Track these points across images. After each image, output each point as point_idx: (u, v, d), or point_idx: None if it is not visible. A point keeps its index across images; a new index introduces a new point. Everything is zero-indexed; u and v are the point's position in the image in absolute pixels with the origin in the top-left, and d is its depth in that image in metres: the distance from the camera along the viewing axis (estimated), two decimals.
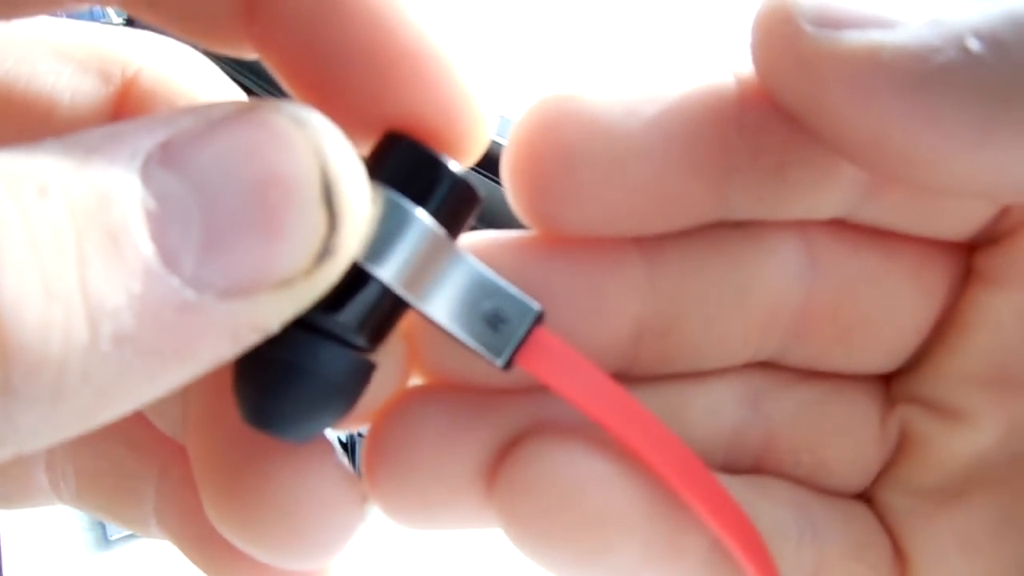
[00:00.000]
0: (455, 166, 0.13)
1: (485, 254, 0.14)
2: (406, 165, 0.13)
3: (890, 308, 0.16)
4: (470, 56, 0.13)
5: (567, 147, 0.13)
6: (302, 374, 0.12)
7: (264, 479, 0.14)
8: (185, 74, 0.15)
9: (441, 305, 0.13)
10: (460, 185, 0.13)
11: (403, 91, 0.13)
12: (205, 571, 0.17)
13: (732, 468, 0.16)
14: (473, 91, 0.13)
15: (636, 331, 0.15)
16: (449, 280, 0.13)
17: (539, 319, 0.14)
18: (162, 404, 0.14)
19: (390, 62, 0.13)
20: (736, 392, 0.16)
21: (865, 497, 0.17)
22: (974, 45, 0.11)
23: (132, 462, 0.17)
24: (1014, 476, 0.15)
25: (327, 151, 0.11)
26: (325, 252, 0.11)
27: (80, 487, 0.17)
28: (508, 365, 0.14)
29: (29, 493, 0.17)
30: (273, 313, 0.11)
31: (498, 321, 0.13)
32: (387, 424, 0.15)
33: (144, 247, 0.10)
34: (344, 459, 0.15)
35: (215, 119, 0.11)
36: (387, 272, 0.13)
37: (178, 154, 0.11)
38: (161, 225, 0.10)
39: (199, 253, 0.10)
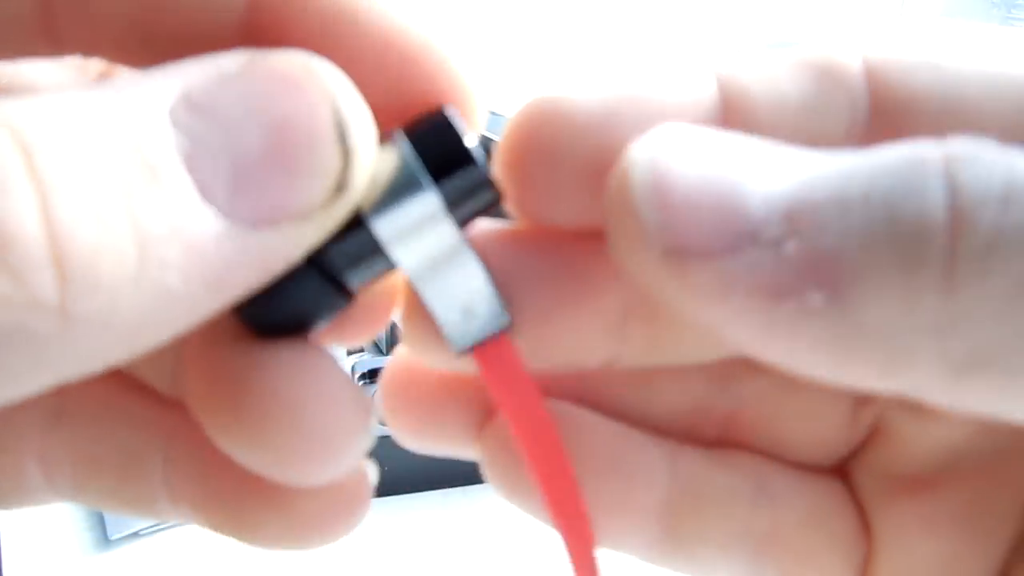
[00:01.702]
0: (481, 158, 0.14)
1: (478, 242, 0.15)
2: (437, 141, 0.14)
3: None
4: (442, 29, 0.14)
5: (550, 146, 0.14)
6: (284, 292, 0.14)
7: (270, 384, 0.14)
8: None
9: (427, 278, 0.14)
10: (480, 177, 0.14)
11: (398, 79, 0.14)
12: (226, 533, 0.17)
13: (696, 438, 0.17)
14: (458, 69, 0.14)
15: (622, 317, 0.15)
16: (443, 259, 0.14)
17: (506, 328, 0.15)
18: (155, 356, 0.14)
19: (377, 53, 0.14)
20: (709, 372, 0.17)
21: (842, 472, 0.17)
22: (815, 301, 0.11)
23: (134, 440, 0.17)
24: (982, 471, 0.16)
25: (337, 94, 0.12)
26: (340, 186, 0.12)
27: (80, 476, 0.17)
28: (461, 355, 0.15)
29: (22, 491, 0.17)
30: (297, 242, 0.12)
31: (471, 315, 0.15)
32: (403, 383, 0.17)
33: (183, 179, 0.11)
34: (347, 372, 0.16)
35: (232, 67, 0.12)
36: (382, 227, 0.14)
37: (201, 98, 0.12)
38: (194, 161, 0.11)
39: (230, 186, 0.11)
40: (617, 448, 0.16)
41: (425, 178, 0.13)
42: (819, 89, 0.14)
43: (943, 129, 0.12)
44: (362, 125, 0.13)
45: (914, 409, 0.16)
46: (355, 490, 0.17)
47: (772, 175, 0.12)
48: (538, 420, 0.15)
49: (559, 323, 0.15)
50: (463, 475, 0.62)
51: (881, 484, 0.17)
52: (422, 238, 0.14)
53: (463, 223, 0.14)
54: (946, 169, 0.11)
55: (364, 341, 0.17)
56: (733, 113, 0.14)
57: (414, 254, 0.14)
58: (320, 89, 0.12)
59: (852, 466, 0.17)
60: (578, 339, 0.15)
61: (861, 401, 0.17)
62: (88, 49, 0.14)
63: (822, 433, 0.17)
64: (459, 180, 0.14)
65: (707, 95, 0.14)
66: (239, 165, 0.12)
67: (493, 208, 0.15)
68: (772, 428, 0.17)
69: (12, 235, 0.10)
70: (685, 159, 0.12)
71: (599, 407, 0.17)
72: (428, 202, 0.14)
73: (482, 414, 0.17)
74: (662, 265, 0.12)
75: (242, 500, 0.16)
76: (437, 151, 0.14)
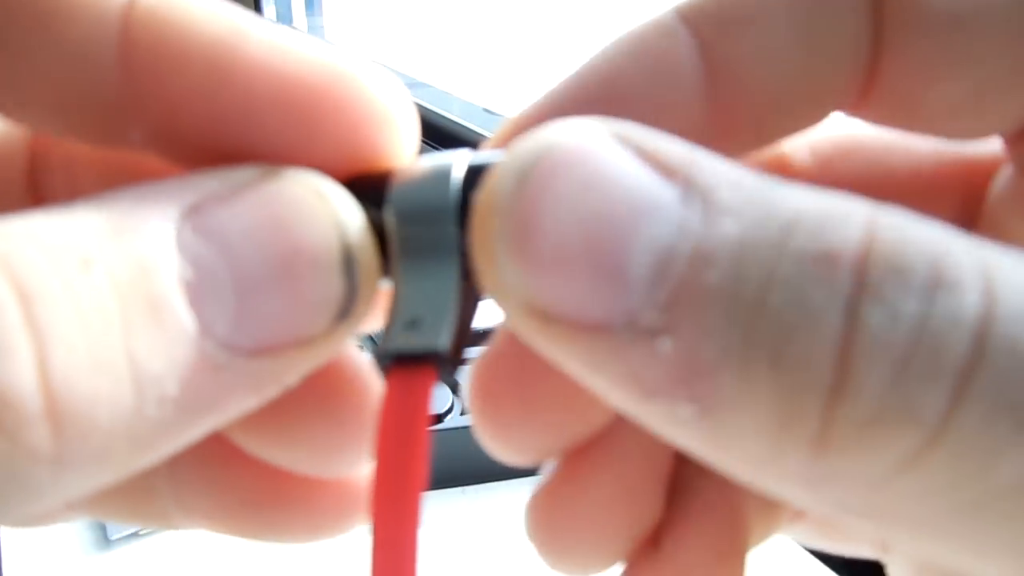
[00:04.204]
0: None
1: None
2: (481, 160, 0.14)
3: None
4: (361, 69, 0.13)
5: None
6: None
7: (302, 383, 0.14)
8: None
9: (404, 274, 0.13)
10: None
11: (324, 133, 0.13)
12: (245, 536, 0.17)
13: None
14: (383, 102, 0.13)
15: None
16: (427, 272, 0.13)
17: (434, 367, 0.13)
18: None
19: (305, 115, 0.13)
20: None
21: None
22: (684, 411, 0.10)
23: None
24: None
25: (346, 224, 0.12)
26: (342, 315, 0.12)
27: (93, 498, 0.17)
28: (378, 365, 0.13)
29: (44, 512, 0.17)
30: (294, 369, 0.12)
31: (413, 331, 0.13)
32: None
33: (184, 316, 0.11)
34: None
35: (240, 184, 0.12)
36: (391, 211, 0.13)
37: (209, 221, 0.11)
38: (197, 293, 0.11)
39: (231, 318, 0.11)
40: None
41: (455, 203, 0.13)
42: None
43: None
44: (367, 254, 0.12)
45: None
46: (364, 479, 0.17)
47: (667, 240, 0.10)
48: (409, 470, 0.13)
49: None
50: (463, 475, 0.62)
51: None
52: (424, 242, 0.13)
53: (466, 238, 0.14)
54: (848, 303, 0.10)
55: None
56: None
57: (409, 252, 0.13)
58: (330, 216, 0.12)
59: None
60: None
61: None
62: None
63: None
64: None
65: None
66: (242, 295, 0.11)
67: None
68: None
69: (7, 394, 0.10)
70: (565, 192, 0.11)
71: None
72: (447, 185, 0.13)
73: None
74: (523, 319, 0.11)
75: (257, 505, 0.16)
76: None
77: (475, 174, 0.13)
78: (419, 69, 1.26)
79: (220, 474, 0.16)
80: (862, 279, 0.10)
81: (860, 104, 0.14)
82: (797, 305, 0.10)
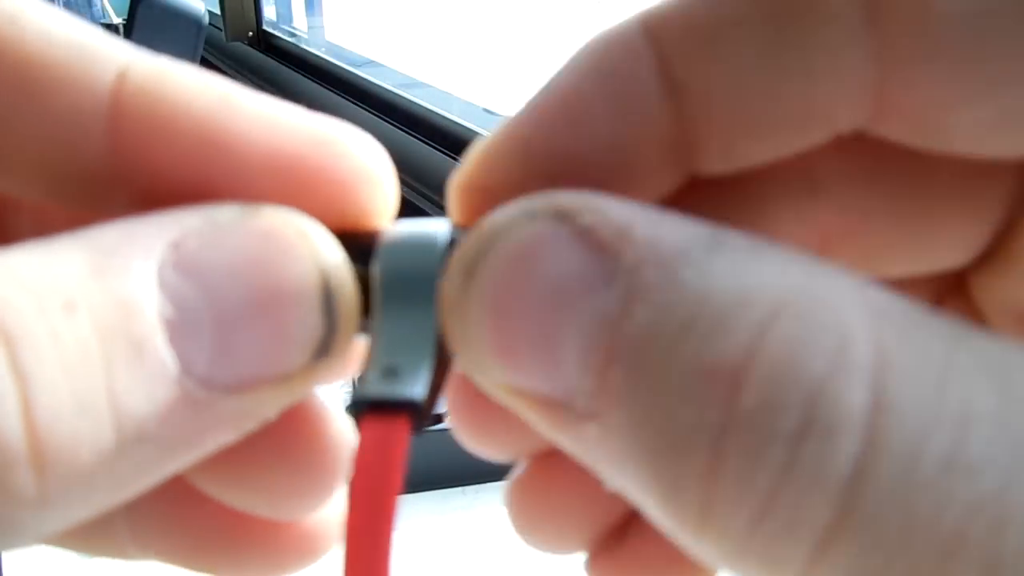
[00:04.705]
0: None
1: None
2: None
3: None
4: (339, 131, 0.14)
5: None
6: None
7: (264, 430, 0.14)
8: (176, 72, 0.14)
9: (385, 322, 0.13)
10: None
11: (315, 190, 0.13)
12: (200, 571, 0.17)
13: None
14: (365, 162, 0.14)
15: None
16: (407, 322, 0.13)
17: (408, 417, 0.13)
18: None
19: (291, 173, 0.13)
20: None
21: None
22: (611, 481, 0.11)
23: None
24: None
25: (328, 262, 0.12)
26: (322, 351, 0.12)
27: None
28: (352, 411, 0.13)
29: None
30: (272, 404, 0.12)
31: (390, 379, 0.13)
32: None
33: (165, 356, 0.11)
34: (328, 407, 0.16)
35: (222, 222, 0.12)
36: (379, 264, 0.13)
37: (191, 259, 0.11)
38: (177, 332, 0.11)
39: (211, 356, 0.11)
40: None
41: (439, 263, 0.13)
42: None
43: None
44: (347, 292, 0.12)
45: None
46: (330, 514, 0.17)
47: (590, 330, 0.11)
48: (381, 518, 0.12)
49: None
50: (463, 475, 0.62)
51: None
52: (410, 287, 0.13)
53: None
54: (715, 434, 0.10)
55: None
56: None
57: (394, 297, 0.13)
58: (310, 254, 0.12)
59: None
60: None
61: None
62: None
63: None
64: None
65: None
66: (222, 332, 0.11)
67: None
68: None
69: None
70: (505, 287, 0.11)
71: None
72: (434, 247, 0.13)
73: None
74: (493, 390, 0.12)
75: (212, 544, 0.16)
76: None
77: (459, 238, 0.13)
78: (419, 69, 1.27)
79: (176, 512, 0.16)
80: (734, 408, 0.10)
81: (877, 124, 0.13)
82: (678, 422, 0.10)
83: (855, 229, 0.15)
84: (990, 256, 0.15)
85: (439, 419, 0.14)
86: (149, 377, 0.11)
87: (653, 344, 0.10)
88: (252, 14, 1.56)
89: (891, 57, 0.12)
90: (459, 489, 0.62)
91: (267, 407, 0.12)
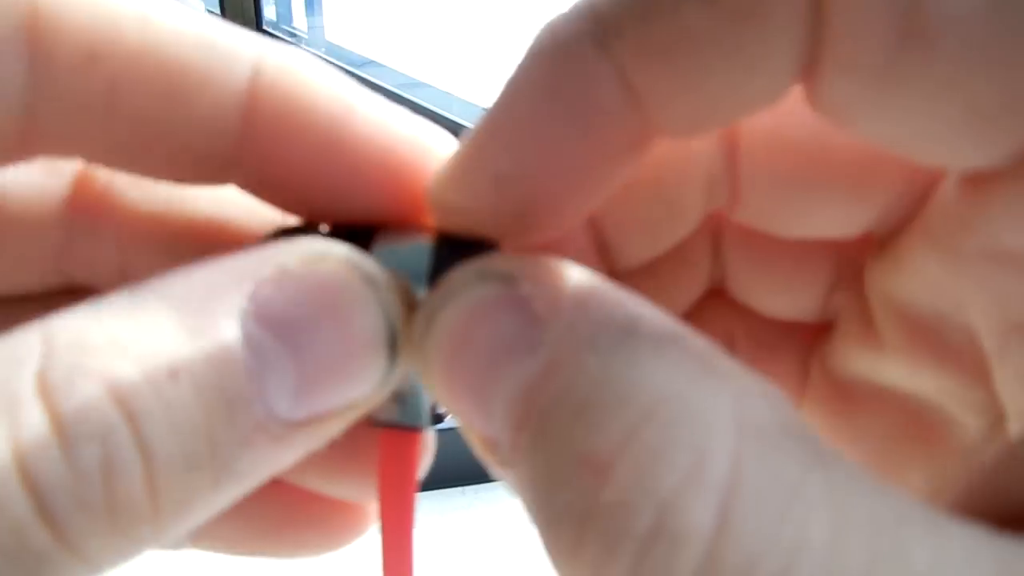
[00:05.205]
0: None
1: None
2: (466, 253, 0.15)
3: None
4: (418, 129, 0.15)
5: None
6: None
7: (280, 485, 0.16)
8: (305, 70, 0.15)
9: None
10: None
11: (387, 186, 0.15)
12: (248, 553, 0.19)
13: None
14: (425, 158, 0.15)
15: None
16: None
17: (415, 432, 0.16)
18: None
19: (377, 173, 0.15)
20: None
21: None
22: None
23: None
24: None
25: (392, 307, 0.13)
26: (384, 384, 0.14)
27: None
28: (377, 425, 0.16)
29: None
30: (337, 429, 0.13)
31: (401, 401, 0.15)
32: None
33: (256, 409, 0.12)
34: None
35: (292, 271, 0.13)
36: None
37: (269, 311, 0.12)
38: (263, 382, 0.12)
39: (292, 399, 0.12)
40: None
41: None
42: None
43: None
44: (401, 325, 0.14)
45: None
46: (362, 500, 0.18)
47: (511, 394, 0.12)
48: (403, 516, 0.17)
49: None
50: (463, 475, 0.62)
51: None
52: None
53: None
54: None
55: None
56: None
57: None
58: (378, 302, 0.13)
59: None
60: None
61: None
62: (66, 154, 0.15)
63: None
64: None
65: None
66: (302, 379, 0.13)
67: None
68: None
69: (123, 503, 0.11)
70: (450, 342, 0.13)
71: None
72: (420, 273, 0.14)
73: None
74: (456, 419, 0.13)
75: (269, 524, 0.18)
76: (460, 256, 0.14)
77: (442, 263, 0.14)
78: (419, 69, 1.27)
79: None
80: (597, 500, 0.10)
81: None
82: (557, 497, 0.11)
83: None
84: (885, 249, 0.16)
85: (440, 419, 0.16)
86: (241, 429, 0.12)
87: (554, 419, 0.11)
88: (252, 14, 1.56)
89: (824, 56, 0.12)
90: (459, 489, 0.62)
91: (336, 430, 0.14)
